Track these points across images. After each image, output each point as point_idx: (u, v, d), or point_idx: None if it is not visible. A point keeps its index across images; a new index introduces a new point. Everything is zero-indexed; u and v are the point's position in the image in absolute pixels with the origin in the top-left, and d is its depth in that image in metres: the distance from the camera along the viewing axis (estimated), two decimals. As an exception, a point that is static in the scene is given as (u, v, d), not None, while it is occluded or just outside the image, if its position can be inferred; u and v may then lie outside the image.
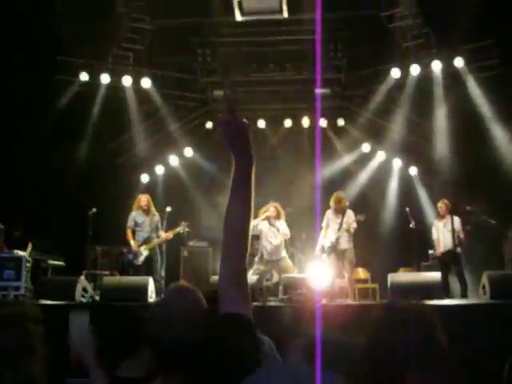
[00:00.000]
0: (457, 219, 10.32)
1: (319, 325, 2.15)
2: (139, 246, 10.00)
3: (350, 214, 10.19)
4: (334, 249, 9.90)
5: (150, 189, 13.04)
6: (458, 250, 10.21)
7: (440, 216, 10.65)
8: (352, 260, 10.05)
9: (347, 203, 10.31)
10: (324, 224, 10.27)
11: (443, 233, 10.41)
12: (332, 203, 10.23)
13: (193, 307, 1.97)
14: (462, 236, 10.22)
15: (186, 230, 10.34)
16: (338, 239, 9.86)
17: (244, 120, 1.98)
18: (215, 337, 1.92)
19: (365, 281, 11.57)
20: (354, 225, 10.01)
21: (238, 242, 1.99)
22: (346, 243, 9.98)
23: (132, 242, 10.02)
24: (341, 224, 9.99)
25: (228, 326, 1.91)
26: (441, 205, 10.67)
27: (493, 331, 7.14)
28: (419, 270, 10.52)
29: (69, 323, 2.51)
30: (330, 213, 10.29)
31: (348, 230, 9.96)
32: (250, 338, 1.91)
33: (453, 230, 10.19)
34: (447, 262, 10.25)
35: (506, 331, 7.00)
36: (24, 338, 2.08)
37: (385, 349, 1.56)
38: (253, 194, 2.04)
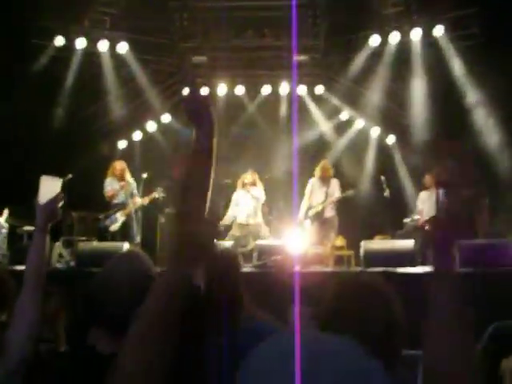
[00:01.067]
0: (442, 191, 10.48)
1: (296, 290, 2.18)
2: (115, 212, 10.03)
3: (334, 182, 10.33)
4: (319, 217, 10.03)
5: (127, 155, 13.00)
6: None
7: (425, 188, 10.84)
8: (335, 227, 10.20)
9: (333, 172, 10.43)
10: (307, 191, 10.37)
11: (429, 204, 10.56)
12: (318, 171, 10.34)
13: (137, 271, 2.01)
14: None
15: (162, 195, 10.35)
16: (323, 208, 9.99)
17: (205, 95, 2.02)
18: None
19: (341, 248, 11.66)
20: (338, 194, 10.14)
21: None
22: (330, 211, 10.13)
23: (113, 198, 10.11)
24: (326, 193, 10.10)
25: None
26: (427, 177, 10.86)
27: (463, 299, 7.26)
28: (394, 238, 10.66)
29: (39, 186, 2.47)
30: (314, 180, 10.39)
31: (335, 203, 10.12)
32: (194, 302, 1.96)
33: (437, 201, 10.35)
34: (428, 230, 10.43)
35: (476, 299, 7.12)
36: None
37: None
38: (213, 167, 2.06)
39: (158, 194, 10.33)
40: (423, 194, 10.90)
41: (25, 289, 2.32)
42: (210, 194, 2.09)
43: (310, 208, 10.24)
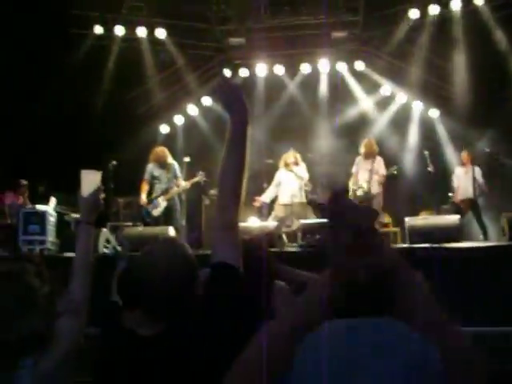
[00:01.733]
0: (478, 169, 10.38)
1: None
2: (158, 197, 10.13)
3: (379, 160, 10.30)
4: (366, 196, 10.02)
5: (169, 139, 13.13)
6: (479, 200, 10.32)
7: (462, 164, 10.70)
8: (381, 204, 10.18)
9: (377, 149, 10.38)
10: (354, 170, 10.39)
11: (464, 180, 10.43)
12: (363, 148, 10.35)
13: (174, 256, 2.08)
14: (484, 188, 10.30)
15: (204, 179, 10.42)
16: (369, 187, 10.04)
17: (237, 83, 2.09)
18: (200, 286, 2.04)
19: (386, 225, 11.59)
20: (384, 171, 10.13)
21: (231, 198, 2.11)
22: (376, 188, 10.14)
23: (143, 196, 10.15)
24: (371, 171, 10.06)
25: (214, 275, 2.02)
26: (463, 153, 10.72)
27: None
28: (439, 213, 10.56)
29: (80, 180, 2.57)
30: (359, 159, 10.44)
31: (380, 181, 10.10)
32: (235, 286, 2.01)
33: (473, 179, 10.24)
34: (464, 208, 10.32)
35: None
36: (25, 293, 2.18)
37: None
38: (247, 152, 2.13)
39: (199, 177, 10.40)
40: (458, 170, 10.78)
41: (73, 278, 2.41)
42: (245, 178, 2.15)
43: (356, 186, 10.21)
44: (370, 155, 10.28)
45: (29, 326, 2.15)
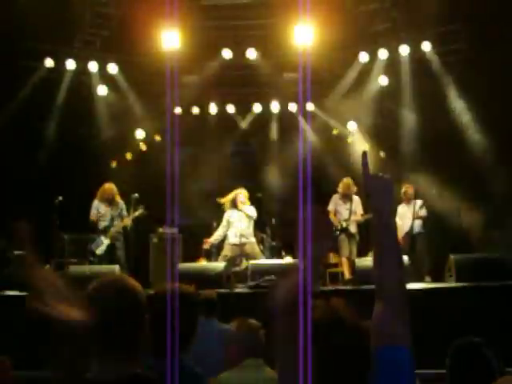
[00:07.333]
0: (419, 202, 10.50)
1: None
2: (98, 235, 9.99)
3: (357, 199, 10.43)
4: (345, 232, 10.26)
5: (119, 175, 12.95)
6: (416, 230, 10.41)
7: (406, 201, 10.68)
8: (358, 243, 10.49)
9: (355, 189, 10.47)
10: (331, 208, 10.53)
11: (407, 217, 10.50)
12: (340, 189, 10.55)
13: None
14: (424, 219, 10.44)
15: (144, 213, 10.29)
16: (348, 225, 10.29)
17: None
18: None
19: (335, 265, 11.62)
20: (361, 211, 10.41)
21: None
22: (354, 227, 10.42)
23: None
24: (350, 211, 10.31)
25: None
26: (409, 191, 10.68)
27: (459, 314, 7.26)
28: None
29: None
30: (336, 197, 10.63)
31: (359, 221, 10.40)
32: None
33: (413, 213, 10.37)
34: (404, 247, 10.30)
35: (472, 313, 7.16)
36: None
37: None
38: None
39: (139, 212, 10.27)
40: (401, 209, 10.73)
41: None
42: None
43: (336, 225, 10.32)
44: (347, 195, 10.42)
45: None
